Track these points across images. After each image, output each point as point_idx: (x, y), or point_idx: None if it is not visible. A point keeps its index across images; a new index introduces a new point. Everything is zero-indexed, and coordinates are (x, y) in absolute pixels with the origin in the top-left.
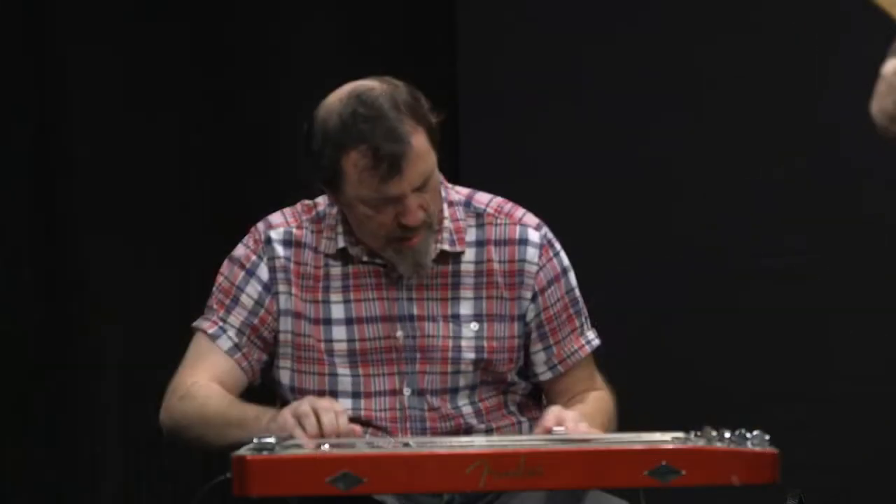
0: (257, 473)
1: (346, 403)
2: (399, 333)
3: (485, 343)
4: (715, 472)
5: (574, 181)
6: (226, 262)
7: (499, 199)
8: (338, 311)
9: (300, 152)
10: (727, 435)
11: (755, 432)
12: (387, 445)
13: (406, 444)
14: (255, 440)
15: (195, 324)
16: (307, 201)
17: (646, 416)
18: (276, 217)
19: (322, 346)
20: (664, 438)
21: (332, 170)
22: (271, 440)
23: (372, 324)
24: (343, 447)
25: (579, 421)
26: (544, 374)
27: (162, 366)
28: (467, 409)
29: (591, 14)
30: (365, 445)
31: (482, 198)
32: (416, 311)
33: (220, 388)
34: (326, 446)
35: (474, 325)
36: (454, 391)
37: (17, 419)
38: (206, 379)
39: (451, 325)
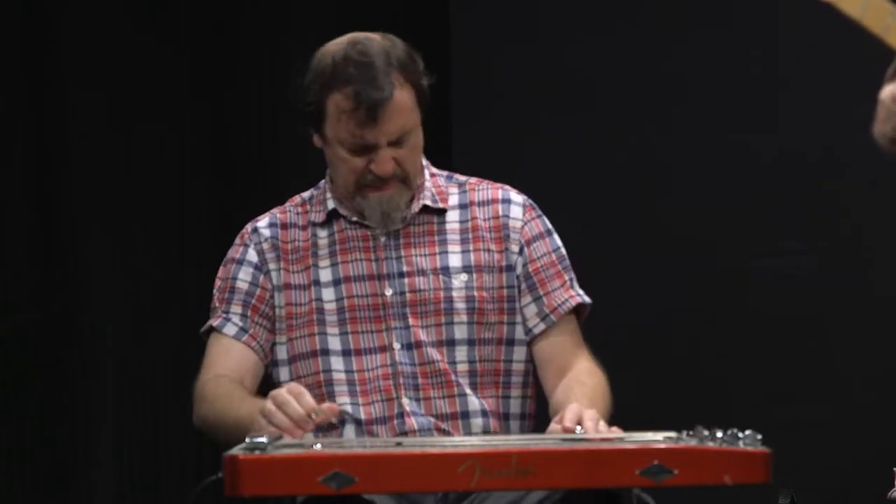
0: (249, 473)
1: (336, 362)
2: (388, 291)
3: (475, 293)
4: (707, 471)
5: (570, 181)
6: (220, 267)
7: (476, 177)
8: (326, 274)
9: (295, 153)
10: (719, 434)
11: (747, 432)
12: (379, 445)
13: (398, 444)
14: (247, 440)
15: (202, 328)
16: (293, 197)
17: (638, 416)
18: (261, 215)
19: (313, 305)
20: (656, 438)
21: (316, 106)
22: (263, 440)
23: (359, 282)
24: (335, 446)
25: (598, 420)
26: (537, 326)
27: (157, 367)
28: (463, 367)
29: (586, 13)
30: (357, 445)
31: (461, 175)
32: (404, 269)
33: (229, 382)
34: (318, 446)
35: (464, 276)
36: (451, 343)
37: (12, 419)
38: (221, 371)
39: (441, 277)
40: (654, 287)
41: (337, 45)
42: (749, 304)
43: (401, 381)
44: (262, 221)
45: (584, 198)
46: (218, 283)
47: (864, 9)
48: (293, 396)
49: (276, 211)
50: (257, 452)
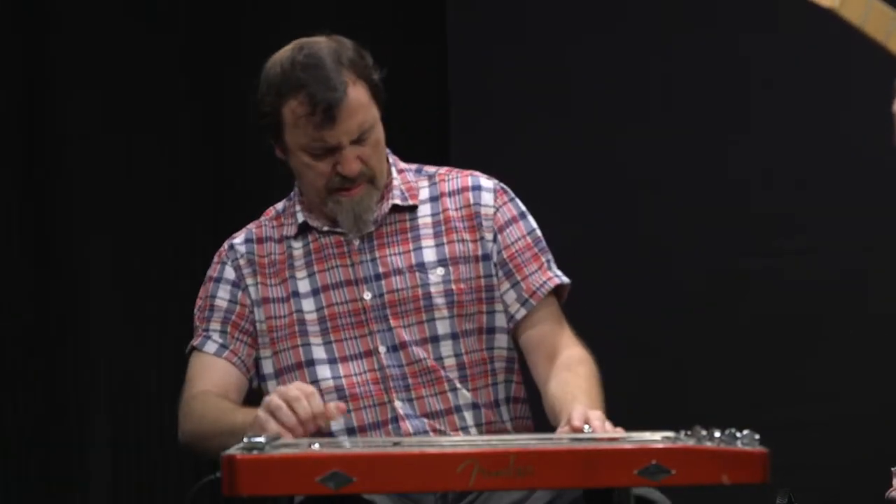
0: (247, 473)
1: (323, 371)
2: (366, 294)
3: (453, 286)
4: (705, 471)
5: (569, 180)
6: (201, 286)
7: (448, 167)
8: (304, 285)
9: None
10: (717, 434)
11: (745, 431)
12: (377, 445)
13: (396, 444)
14: (244, 440)
15: (187, 349)
16: (268, 209)
17: (636, 416)
18: (238, 232)
19: (294, 317)
20: (654, 438)
21: (272, 117)
22: (261, 440)
23: (338, 289)
24: (333, 446)
25: (604, 420)
26: (518, 312)
27: (152, 367)
28: (450, 362)
29: (584, 13)
30: (355, 444)
31: (430, 167)
32: (380, 270)
33: (214, 397)
34: (316, 445)
35: (440, 270)
36: (434, 339)
37: (7, 420)
38: (205, 388)
39: (417, 273)
40: (652, 286)
41: (283, 53)
42: (748, 304)
43: (391, 384)
44: (238, 238)
45: (582, 197)
46: (198, 302)
47: (867, 15)
48: (306, 397)
49: (251, 226)
50: (255, 452)
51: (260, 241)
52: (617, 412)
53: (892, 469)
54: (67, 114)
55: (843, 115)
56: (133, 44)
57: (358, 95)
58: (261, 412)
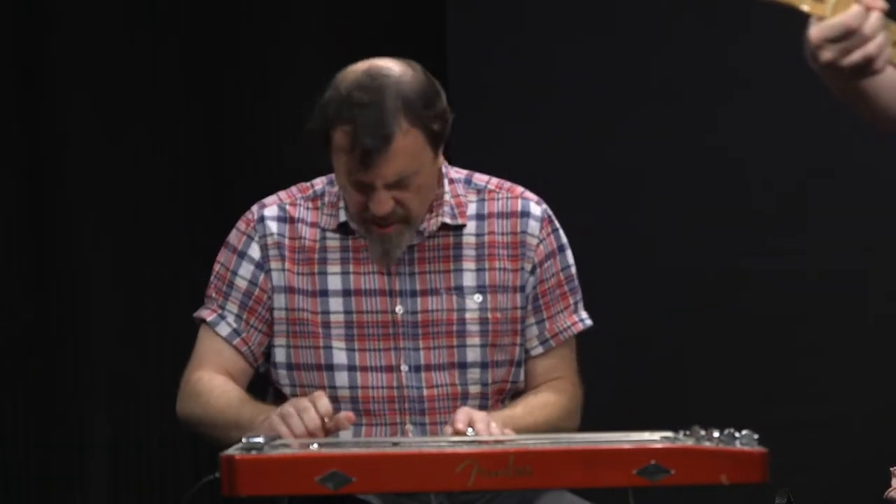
0: (246, 473)
1: (342, 378)
2: (399, 308)
3: (489, 314)
4: (704, 471)
5: (567, 180)
6: (221, 249)
7: (497, 179)
8: (335, 283)
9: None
10: (716, 434)
11: (744, 431)
12: (376, 444)
13: (395, 444)
14: (243, 440)
15: (196, 313)
16: (303, 183)
17: (635, 416)
18: (269, 198)
19: (318, 318)
20: (653, 438)
21: (323, 132)
22: (260, 440)
23: (370, 297)
24: (332, 446)
25: (489, 422)
26: (535, 349)
27: (152, 368)
28: (475, 390)
29: (582, 13)
30: (354, 445)
31: (481, 176)
32: (417, 286)
33: (223, 382)
34: (315, 445)
35: (478, 297)
36: (462, 366)
37: (5, 421)
38: (211, 371)
39: (454, 297)
40: (652, 286)
41: (354, 73)
42: (748, 304)
43: (406, 405)
44: (270, 210)
45: (581, 197)
46: (217, 266)
47: None
48: (315, 407)
49: (284, 198)
50: (254, 452)
51: (292, 221)
52: (616, 412)
53: (892, 469)
54: (67, 114)
55: (844, 114)
56: (132, 44)
57: (406, 144)
58: (274, 416)
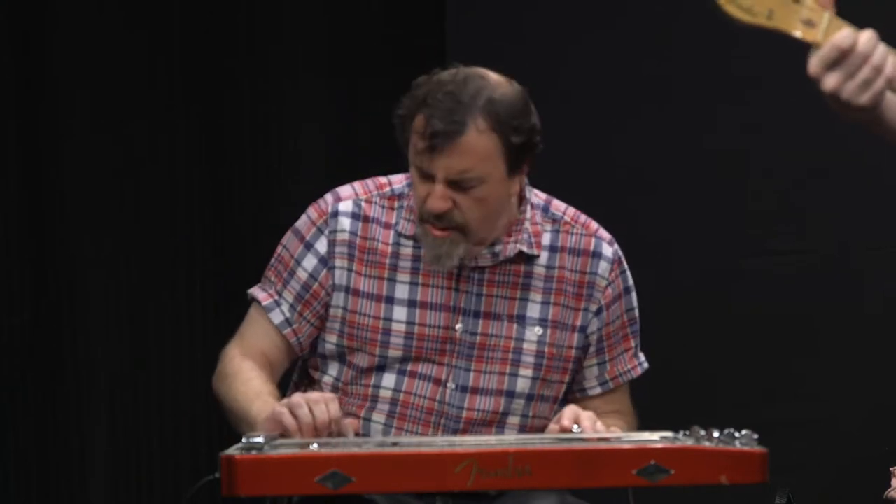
0: (246, 473)
1: (389, 379)
2: (459, 326)
3: (546, 349)
4: (704, 471)
5: (565, 179)
6: (288, 233)
7: (574, 209)
8: (402, 291)
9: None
10: (716, 434)
11: (743, 432)
12: (376, 444)
13: (395, 444)
14: (243, 439)
15: (251, 291)
16: (380, 178)
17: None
18: (345, 189)
19: (380, 324)
20: (653, 438)
21: (405, 119)
22: (260, 439)
23: (434, 311)
24: (332, 446)
25: (595, 420)
26: (593, 389)
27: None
28: (514, 420)
29: (582, 13)
30: (354, 445)
31: (559, 205)
32: (482, 308)
33: (249, 369)
34: (315, 445)
35: (538, 330)
36: (510, 395)
37: (5, 421)
38: (252, 351)
39: (515, 325)
40: (650, 286)
41: (450, 72)
42: (746, 304)
43: (442, 421)
44: (344, 205)
45: (581, 196)
46: (280, 249)
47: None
48: (325, 403)
49: (361, 194)
50: (254, 452)
51: (367, 220)
52: None
53: (892, 469)
54: (66, 113)
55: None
56: (132, 44)
57: (476, 144)
58: (280, 406)
